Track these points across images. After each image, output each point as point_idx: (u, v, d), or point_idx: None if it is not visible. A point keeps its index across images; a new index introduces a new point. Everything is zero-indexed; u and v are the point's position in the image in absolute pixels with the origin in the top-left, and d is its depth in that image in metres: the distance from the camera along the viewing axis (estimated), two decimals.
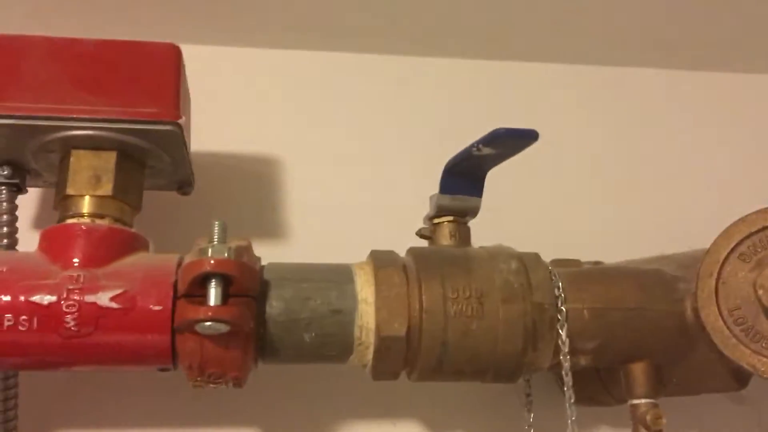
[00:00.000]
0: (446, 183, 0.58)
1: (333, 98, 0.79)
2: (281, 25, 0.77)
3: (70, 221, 0.54)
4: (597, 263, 0.64)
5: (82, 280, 0.50)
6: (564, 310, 0.54)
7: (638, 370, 0.57)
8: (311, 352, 0.53)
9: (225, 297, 0.48)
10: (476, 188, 0.59)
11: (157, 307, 0.50)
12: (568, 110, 0.82)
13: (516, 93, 0.82)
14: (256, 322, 0.51)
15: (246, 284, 0.49)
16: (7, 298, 0.48)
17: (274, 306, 0.52)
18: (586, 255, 0.64)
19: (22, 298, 0.49)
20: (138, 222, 0.58)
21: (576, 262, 0.61)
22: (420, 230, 0.61)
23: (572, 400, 0.55)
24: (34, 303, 0.48)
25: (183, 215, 0.68)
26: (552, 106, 0.82)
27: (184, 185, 0.63)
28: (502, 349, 0.53)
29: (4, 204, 0.57)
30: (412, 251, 0.57)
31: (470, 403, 0.68)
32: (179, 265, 0.52)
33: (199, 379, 0.51)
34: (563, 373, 0.54)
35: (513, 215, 0.72)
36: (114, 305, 0.49)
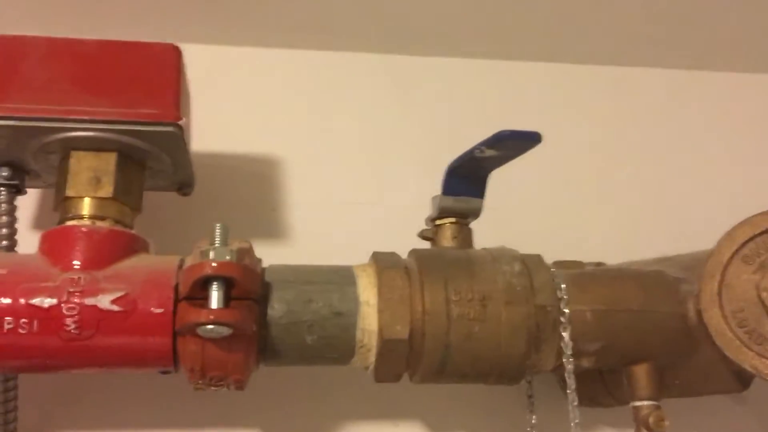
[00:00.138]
0: (449, 184, 0.58)
1: (334, 98, 0.78)
2: (282, 24, 0.77)
3: (70, 223, 0.53)
4: (599, 264, 0.64)
5: (82, 282, 0.49)
6: (567, 312, 0.54)
7: (641, 372, 0.57)
8: (313, 355, 0.53)
9: (227, 300, 0.48)
10: (478, 190, 0.59)
11: (158, 310, 0.49)
12: (569, 110, 0.82)
13: (520, 93, 0.82)
14: (257, 325, 0.51)
15: (248, 287, 0.49)
16: (8, 300, 0.48)
17: (275, 308, 0.52)
18: (587, 256, 0.64)
19: (22, 300, 0.48)
20: (137, 222, 0.57)
21: (578, 264, 0.61)
22: (422, 232, 0.61)
23: (575, 403, 0.55)
24: (34, 306, 0.48)
25: (182, 215, 0.68)
26: (553, 106, 0.81)
27: (185, 186, 0.62)
28: (505, 352, 0.53)
29: (4, 205, 0.57)
30: (414, 253, 0.56)
31: (472, 405, 0.68)
32: (180, 267, 0.52)
33: (200, 381, 0.51)
34: (566, 375, 0.54)
35: (513, 216, 0.72)
36: (115, 308, 0.49)
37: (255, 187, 0.74)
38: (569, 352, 0.54)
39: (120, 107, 0.53)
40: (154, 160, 0.57)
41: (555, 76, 0.84)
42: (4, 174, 0.57)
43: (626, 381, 0.57)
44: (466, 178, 0.58)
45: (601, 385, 0.62)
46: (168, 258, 0.53)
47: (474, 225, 0.61)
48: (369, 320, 0.52)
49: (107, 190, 0.54)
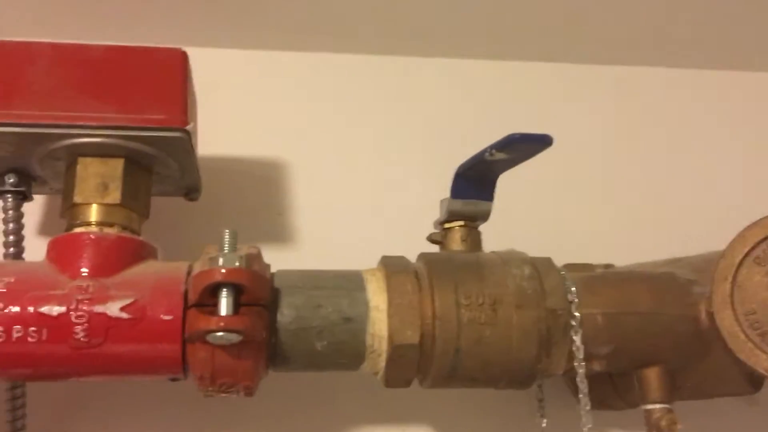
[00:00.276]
0: (457, 187, 0.58)
1: (340, 101, 0.78)
2: (286, 27, 0.76)
3: (77, 230, 0.53)
4: (608, 266, 0.63)
5: (91, 290, 0.49)
6: (578, 315, 0.54)
7: (652, 375, 0.56)
8: (323, 360, 0.53)
9: (236, 306, 0.48)
10: (487, 192, 0.58)
11: (167, 317, 0.49)
12: (576, 111, 0.81)
13: (526, 94, 0.81)
14: (267, 331, 0.50)
15: (257, 293, 0.49)
16: (16, 309, 0.48)
17: (285, 314, 0.52)
18: (596, 258, 0.64)
19: (31, 309, 0.48)
20: (143, 228, 0.57)
21: (588, 267, 0.60)
22: (431, 235, 0.60)
23: (588, 407, 0.54)
24: (43, 314, 0.48)
25: (187, 220, 0.68)
26: (560, 106, 0.81)
27: (192, 191, 0.62)
28: (515, 356, 0.53)
29: (10, 212, 0.57)
30: (423, 257, 0.56)
31: (481, 409, 0.68)
32: (189, 273, 0.51)
33: (210, 388, 0.51)
34: (578, 380, 0.54)
35: (521, 218, 0.72)
36: (124, 315, 0.49)
37: (261, 191, 0.73)
38: (581, 356, 0.53)
39: (127, 113, 0.53)
40: (161, 165, 0.57)
41: (560, 76, 0.83)
42: (10, 181, 0.57)
43: (637, 384, 0.57)
44: (475, 181, 0.58)
45: (611, 387, 0.61)
46: (176, 264, 0.53)
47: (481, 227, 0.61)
48: (379, 325, 0.52)
49: (115, 197, 0.54)
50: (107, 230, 0.53)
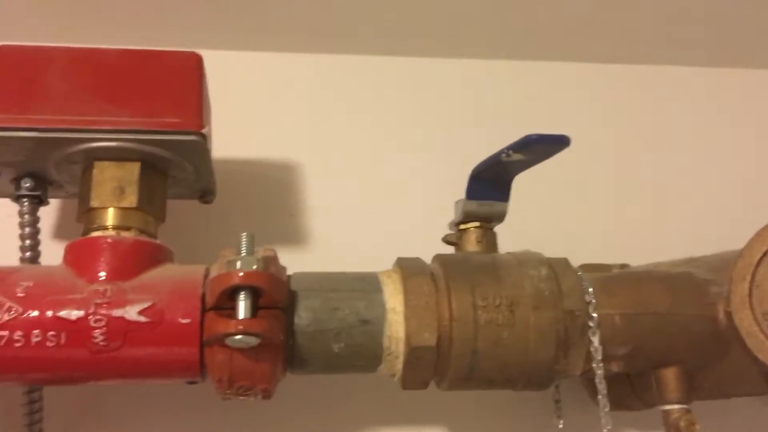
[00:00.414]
0: (473, 188, 0.58)
1: (353, 102, 0.78)
2: (299, 29, 0.76)
3: (95, 234, 0.53)
4: (624, 266, 0.63)
5: (109, 294, 0.49)
6: (595, 316, 0.54)
7: (670, 375, 0.56)
8: (340, 363, 0.53)
9: (254, 309, 0.48)
10: (503, 193, 0.58)
11: (185, 320, 0.49)
12: (589, 110, 0.81)
13: (541, 93, 0.81)
14: (284, 334, 0.50)
15: (275, 296, 0.49)
16: (35, 313, 0.48)
17: (302, 317, 0.52)
18: (611, 258, 0.64)
19: (49, 313, 0.48)
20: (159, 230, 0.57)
21: (605, 267, 0.60)
22: (446, 236, 0.60)
23: (607, 409, 0.54)
24: (61, 318, 0.48)
25: (202, 222, 0.68)
26: (574, 106, 0.81)
27: (207, 194, 0.62)
28: (533, 358, 0.52)
29: (27, 216, 0.57)
30: (439, 258, 0.56)
31: (498, 410, 0.67)
32: (206, 276, 0.51)
33: (228, 391, 0.51)
34: (596, 381, 0.54)
35: (536, 218, 0.71)
36: (142, 319, 0.49)
37: (274, 193, 0.73)
38: (599, 357, 0.53)
39: (143, 117, 0.53)
40: (177, 168, 0.57)
41: (573, 76, 0.83)
42: (26, 185, 0.57)
43: (655, 384, 0.57)
44: (491, 182, 0.57)
45: (629, 388, 0.61)
46: (193, 267, 0.53)
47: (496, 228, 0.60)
48: (396, 327, 0.52)
49: (131, 200, 0.54)
50: (124, 234, 0.53)
